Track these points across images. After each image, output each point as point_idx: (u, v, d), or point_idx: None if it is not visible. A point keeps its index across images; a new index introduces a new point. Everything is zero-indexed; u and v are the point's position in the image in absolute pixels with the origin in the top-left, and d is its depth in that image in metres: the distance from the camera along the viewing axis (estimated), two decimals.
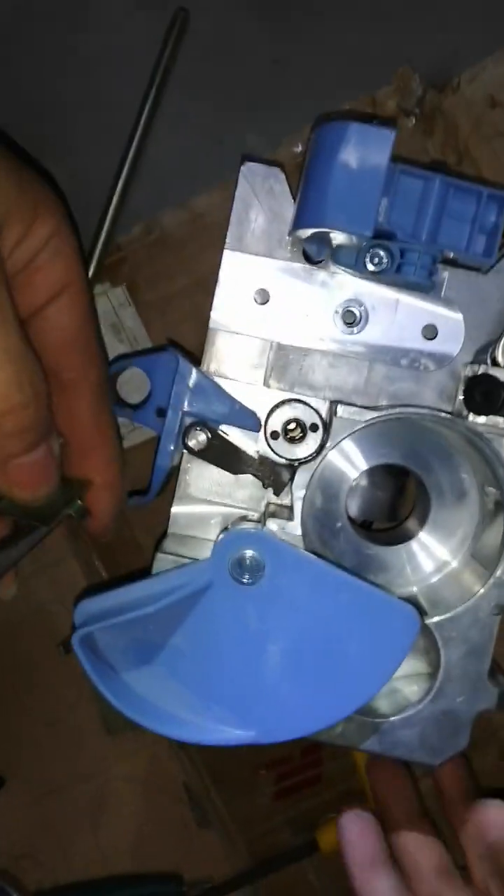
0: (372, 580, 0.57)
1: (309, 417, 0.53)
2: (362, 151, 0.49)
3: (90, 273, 0.66)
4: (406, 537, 0.58)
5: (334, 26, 0.68)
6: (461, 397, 0.53)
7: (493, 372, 0.51)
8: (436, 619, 0.55)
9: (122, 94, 0.67)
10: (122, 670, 0.50)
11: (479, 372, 0.51)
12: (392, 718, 0.55)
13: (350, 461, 0.57)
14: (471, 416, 0.52)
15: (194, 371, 0.53)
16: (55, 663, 0.72)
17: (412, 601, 0.56)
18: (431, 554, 0.58)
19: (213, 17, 0.66)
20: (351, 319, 0.56)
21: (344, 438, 0.52)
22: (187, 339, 0.66)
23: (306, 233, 0.52)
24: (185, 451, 0.53)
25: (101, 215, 0.67)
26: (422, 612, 0.55)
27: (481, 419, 0.51)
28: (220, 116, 0.71)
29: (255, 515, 0.55)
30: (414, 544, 0.58)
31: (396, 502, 0.63)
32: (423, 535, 0.58)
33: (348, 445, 0.56)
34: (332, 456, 0.56)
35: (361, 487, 0.63)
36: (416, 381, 0.56)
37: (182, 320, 0.69)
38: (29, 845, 0.75)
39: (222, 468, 0.54)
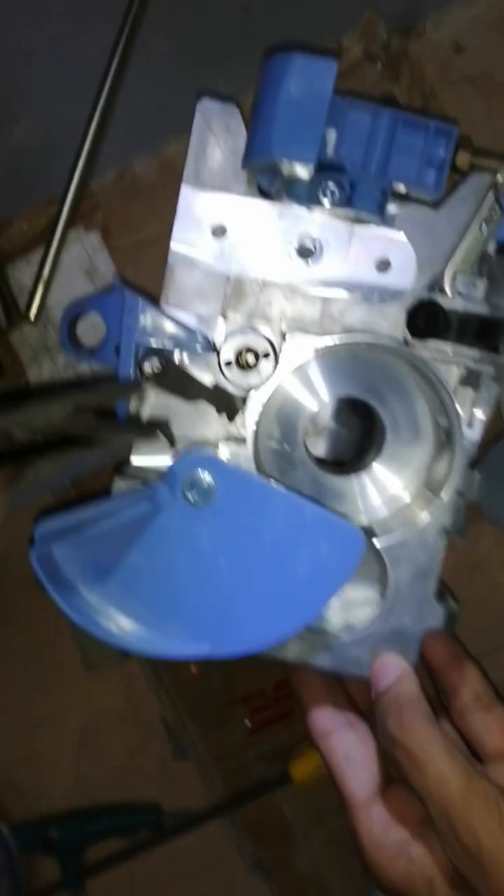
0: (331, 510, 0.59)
1: (261, 346, 0.54)
2: (306, 81, 0.50)
3: (63, 219, 0.68)
4: (362, 469, 0.59)
5: None
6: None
7: (437, 298, 0.53)
8: (385, 542, 0.56)
9: (92, 43, 0.68)
10: (80, 587, 0.52)
11: (420, 300, 0.52)
12: (344, 637, 0.56)
13: (307, 393, 0.58)
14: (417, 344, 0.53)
15: (141, 302, 0.55)
16: (35, 601, 0.74)
17: (366, 530, 0.58)
18: (386, 485, 0.60)
19: None
20: (306, 253, 0.57)
21: (296, 366, 0.54)
22: (160, 284, 0.67)
23: (256, 164, 0.53)
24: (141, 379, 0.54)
25: (73, 161, 0.68)
26: (373, 536, 0.57)
27: (428, 346, 0.52)
28: (189, 64, 0.72)
29: (210, 442, 0.56)
30: (369, 476, 0.59)
31: (364, 443, 0.65)
32: (379, 467, 0.59)
33: (305, 378, 0.57)
34: (290, 388, 0.57)
35: (329, 428, 0.65)
36: (370, 314, 0.58)
37: (155, 265, 0.69)
38: (13, 777, 0.77)
39: (177, 395, 0.55)
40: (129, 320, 0.54)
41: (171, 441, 0.55)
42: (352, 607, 0.58)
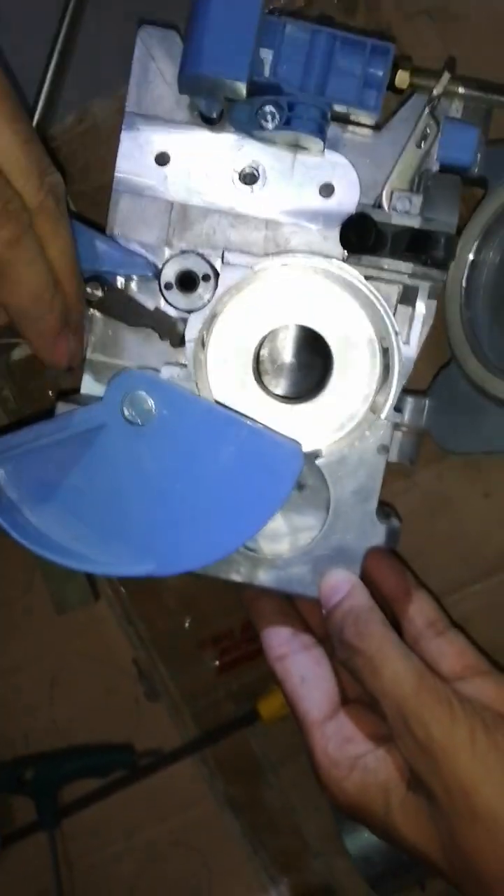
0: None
1: (201, 268, 0.55)
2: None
3: None
4: (311, 397, 0.60)
5: None
6: None
7: (367, 211, 0.53)
8: (325, 459, 0.56)
9: None
10: (24, 507, 0.52)
11: (352, 214, 0.52)
12: (286, 556, 0.57)
13: (252, 318, 0.58)
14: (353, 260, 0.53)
15: (79, 226, 0.55)
16: (4, 547, 0.75)
17: (313, 456, 0.58)
18: (334, 412, 0.60)
19: None
20: (249, 179, 0.58)
21: (236, 288, 0.54)
22: None
23: (189, 84, 0.53)
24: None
25: (32, 104, 0.68)
26: (317, 457, 0.57)
27: (363, 262, 0.52)
28: (145, 5, 0.72)
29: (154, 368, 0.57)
30: (318, 403, 0.60)
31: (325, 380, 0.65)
32: (327, 394, 0.59)
33: (248, 303, 0.57)
34: (233, 313, 0.57)
35: (288, 366, 0.65)
36: (315, 239, 0.58)
37: None
38: None
39: (120, 321, 0.56)
40: None
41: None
42: (297, 532, 0.58)
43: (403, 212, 0.53)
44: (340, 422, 0.59)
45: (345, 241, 0.52)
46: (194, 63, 0.51)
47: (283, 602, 0.60)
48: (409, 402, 0.60)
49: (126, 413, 0.52)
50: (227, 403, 0.59)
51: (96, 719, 0.78)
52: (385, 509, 0.60)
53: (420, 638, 0.58)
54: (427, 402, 0.61)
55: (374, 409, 0.58)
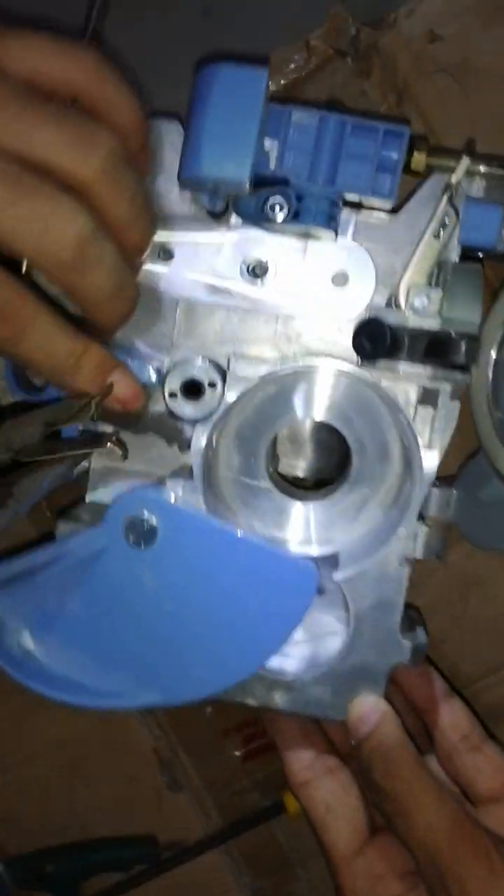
0: (297, 538, 0.56)
1: (206, 375, 0.52)
2: (235, 93, 0.47)
3: None
4: (328, 494, 0.56)
5: None
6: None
7: (380, 314, 0.49)
8: (343, 574, 0.53)
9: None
10: (24, 639, 0.50)
11: (366, 317, 0.49)
12: (304, 676, 0.54)
13: (263, 419, 0.55)
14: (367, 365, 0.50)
15: None
16: None
17: (333, 560, 0.55)
18: (353, 512, 0.56)
19: None
20: (257, 273, 0.54)
21: (245, 394, 0.51)
22: None
23: (191, 184, 0.50)
24: None
25: None
26: (336, 568, 0.54)
27: (378, 366, 0.49)
28: (152, 74, 0.69)
29: (160, 476, 0.54)
30: (336, 501, 0.56)
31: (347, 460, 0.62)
32: (346, 493, 0.56)
33: (258, 404, 0.54)
34: (242, 415, 0.54)
35: (308, 447, 0.62)
36: (329, 331, 0.55)
37: None
38: (8, 811, 0.76)
39: (124, 429, 0.53)
40: None
41: (125, 452, 0.53)
42: (320, 638, 0.55)
43: (421, 310, 0.50)
44: (359, 523, 0.56)
45: (358, 347, 0.48)
46: (193, 165, 0.48)
47: (305, 721, 0.57)
48: (436, 493, 0.57)
49: (128, 535, 0.49)
50: (239, 510, 0.56)
51: (117, 810, 0.76)
52: (410, 613, 0.57)
53: (454, 753, 0.54)
54: (454, 493, 0.57)
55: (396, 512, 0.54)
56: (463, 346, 0.47)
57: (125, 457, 0.51)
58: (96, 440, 0.51)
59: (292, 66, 0.67)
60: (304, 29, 0.66)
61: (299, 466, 0.63)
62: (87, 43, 0.55)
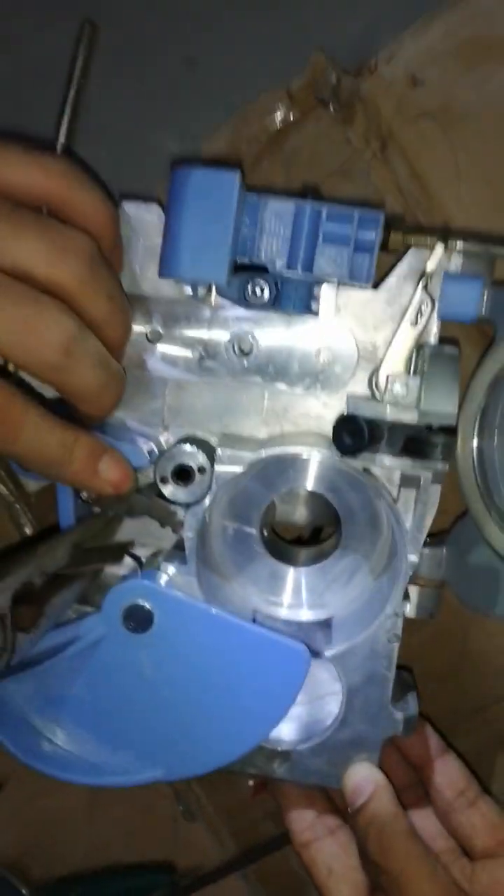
0: (290, 602, 0.58)
1: (196, 461, 0.53)
2: (208, 197, 0.48)
3: None
4: (322, 559, 0.58)
5: (242, 18, 0.66)
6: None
7: (359, 407, 0.51)
8: (334, 651, 0.55)
9: (41, 112, 0.66)
10: (30, 720, 0.52)
11: (342, 414, 0.50)
12: (300, 748, 0.56)
13: (259, 489, 0.57)
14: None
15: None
16: None
17: (327, 624, 0.57)
18: (348, 577, 0.58)
19: (121, 25, 0.65)
20: (244, 348, 0.55)
21: (233, 478, 0.52)
22: None
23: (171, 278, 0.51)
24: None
25: None
26: (330, 640, 0.55)
27: (360, 456, 0.50)
28: (137, 123, 0.70)
29: (160, 556, 0.56)
30: (330, 567, 0.58)
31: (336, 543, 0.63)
32: (339, 557, 0.58)
33: (254, 477, 0.56)
34: (239, 486, 0.56)
35: (304, 496, 0.63)
36: (316, 406, 0.56)
37: None
38: (30, 842, 0.79)
39: (116, 513, 0.54)
40: None
41: (139, 563, 0.55)
42: (316, 699, 0.57)
43: (400, 398, 0.51)
44: (351, 588, 0.58)
45: (338, 443, 0.50)
46: (173, 268, 0.49)
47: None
48: (426, 554, 0.58)
49: (125, 622, 0.51)
50: (233, 576, 0.58)
51: (135, 839, 0.79)
52: (403, 677, 0.59)
53: (450, 811, 0.56)
54: (444, 552, 0.58)
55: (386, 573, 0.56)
56: (439, 447, 0.48)
57: (140, 567, 0.53)
58: (116, 554, 0.55)
59: (275, 115, 0.67)
60: (285, 77, 0.67)
61: (296, 515, 0.64)
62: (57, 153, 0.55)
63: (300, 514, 0.64)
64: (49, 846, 0.79)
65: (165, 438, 0.56)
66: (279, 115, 0.67)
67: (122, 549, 0.55)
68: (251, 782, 0.76)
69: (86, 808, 0.79)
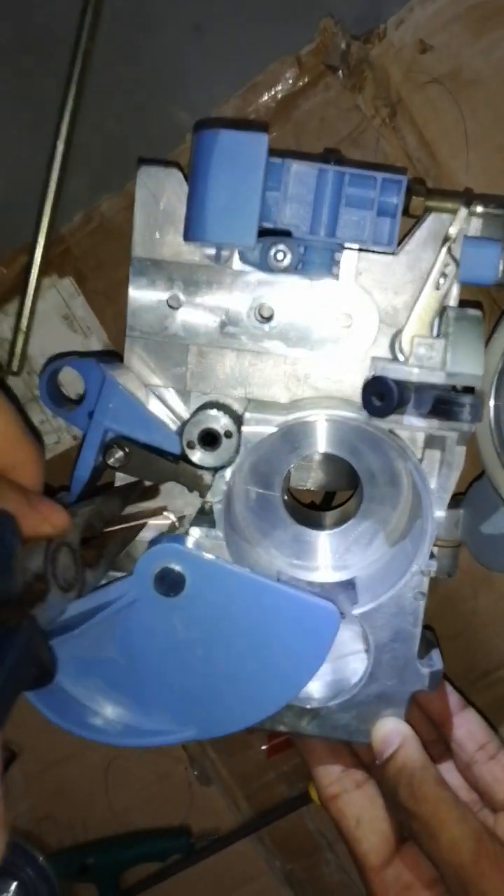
0: (314, 565, 0.58)
1: (222, 425, 0.54)
2: (236, 159, 0.48)
3: (36, 268, 0.67)
4: (343, 522, 0.59)
5: None
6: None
7: (386, 370, 0.51)
8: (362, 609, 0.56)
9: (44, 82, 0.66)
10: (66, 686, 0.53)
11: (371, 376, 0.51)
12: (329, 704, 0.57)
13: (278, 457, 0.57)
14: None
15: (119, 390, 0.54)
16: None
17: (351, 585, 0.58)
18: (369, 539, 0.59)
19: None
20: (265, 314, 0.56)
21: (259, 441, 0.53)
22: None
23: (196, 244, 0.51)
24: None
25: (39, 206, 0.67)
26: (354, 600, 0.56)
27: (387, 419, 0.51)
28: (146, 92, 0.69)
29: (185, 520, 0.56)
30: (352, 529, 0.59)
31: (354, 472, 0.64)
32: (360, 519, 0.58)
33: (273, 445, 0.56)
34: (262, 450, 0.56)
35: (317, 460, 0.64)
36: (337, 371, 0.56)
37: None
38: (47, 808, 0.80)
39: (144, 479, 0.55)
40: (103, 404, 0.54)
41: (180, 521, 0.57)
42: (342, 657, 0.58)
43: (425, 363, 0.51)
44: (373, 549, 0.58)
45: (367, 405, 0.50)
46: (199, 231, 0.49)
47: (332, 740, 0.60)
48: (445, 515, 0.59)
49: (157, 587, 0.52)
50: (258, 541, 0.59)
51: (151, 804, 0.80)
52: (426, 636, 0.60)
53: (472, 764, 0.57)
54: (461, 513, 0.59)
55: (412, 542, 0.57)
56: (468, 407, 0.48)
57: (178, 524, 0.55)
58: (156, 512, 0.57)
59: (284, 82, 0.67)
60: (294, 43, 0.66)
61: (310, 480, 0.65)
62: None
63: (314, 480, 0.65)
64: (65, 813, 0.80)
65: (191, 409, 0.56)
66: (288, 82, 0.66)
67: (162, 510, 0.56)
68: (264, 747, 0.77)
69: (101, 776, 0.79)
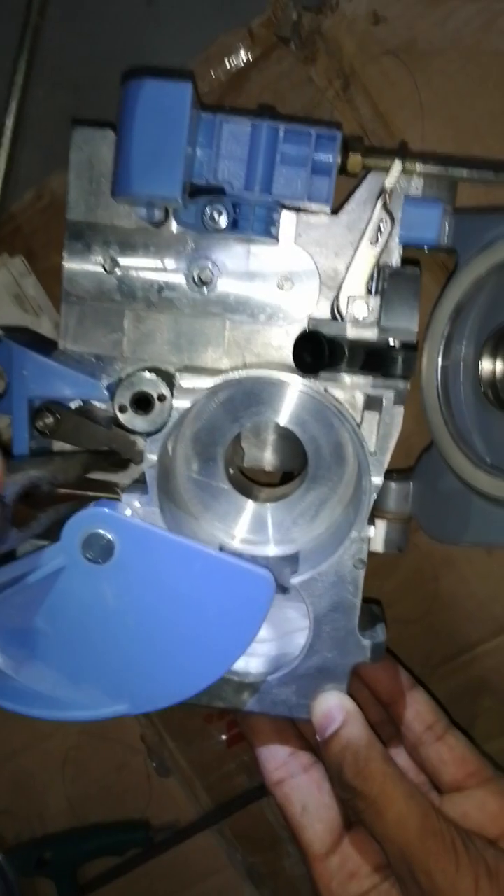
0: (257, 539, 0.57)
1: (155, 388, 0.52)
2: (160, 110, 0.47)
3: None
4: (287, 495, 0.57)
5: None
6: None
7: (320, 326, 0.50)
8: (300, 578, 0.54)
9: None
10: None
11: (302, 332, 0.49)
12: (269, 678, 0.55)
13: (224, 423, 0.56)
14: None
15: (31, 355, 0.53)
16: None
17: (294, 559, 0.56)
18: (314, 510, 0.57)
19: None
20: (204, 278, 0.54)
21: (191, 406, 0.51)
22: None
23: (124, 200, 0.50)
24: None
25: None
26: (297, 568, 0.55)
27: (321, 376, 0.49)
28: (97, 66, 0.68)
29: (119, 487, 0.55)
30: (297, 502, 0.57)
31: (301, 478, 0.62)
32: (305, 491, 0.57)
33: (217, 409, 0.55)
34: (203, 418, 0.55)
35: (273, 440, 0.62)
36: (278, 336, 0.55)
37: None
38: (3, 802, 0.78)
39: (75, 445, 0.53)
40: (17, 374, 0.52)
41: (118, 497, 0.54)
42: (285, 635, 0.56)
43: (361, 319, 0.50)
44: (318, 523, 0.57)
45: (299, 361, 0.49)
46: (124, 184, 0.48)
47: (276, 718, 0.58)
48: (393, 487, 0.57)
49: (85, 553, 0.50)
50: (200, 513, 0.57)
51: (109, 796, 0.78)
52: (371, 609, 0.58)
53: (419, 744, 0.56)
54: (411, 486, 0.58)
55: (352, 506, 0.55)
56: (400, 360, 0.47)
57: (118, 500, 0.53)
58: (108, 488, 0.55)
59: (236, 55, 0.66)
60: (246, 14, 0.66)
61: (265, 460, 0.63)
62: None
63: (269, 461, 0.63)
64: (21, 808, 0.79)
65: (125, 370, 0.54)
66: (240, 55, 0.65)
67: (113, 486, 0.54)
68: (224, 736, 0.75)
69: (58, 768, 0.78)
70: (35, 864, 0.76)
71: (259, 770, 0.57)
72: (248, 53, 0.66)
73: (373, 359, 0.48)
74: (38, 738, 0.77)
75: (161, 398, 0.52)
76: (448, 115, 0.63)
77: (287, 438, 0.61)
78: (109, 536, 0.50)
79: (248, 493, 0.58)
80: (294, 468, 0.63)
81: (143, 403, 0.52)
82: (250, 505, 0.57)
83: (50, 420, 0.52)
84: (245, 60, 0.65)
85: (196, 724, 0.74)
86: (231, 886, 0.76)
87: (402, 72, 0.64)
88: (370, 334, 0.49)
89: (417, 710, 0.56)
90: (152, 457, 0.52)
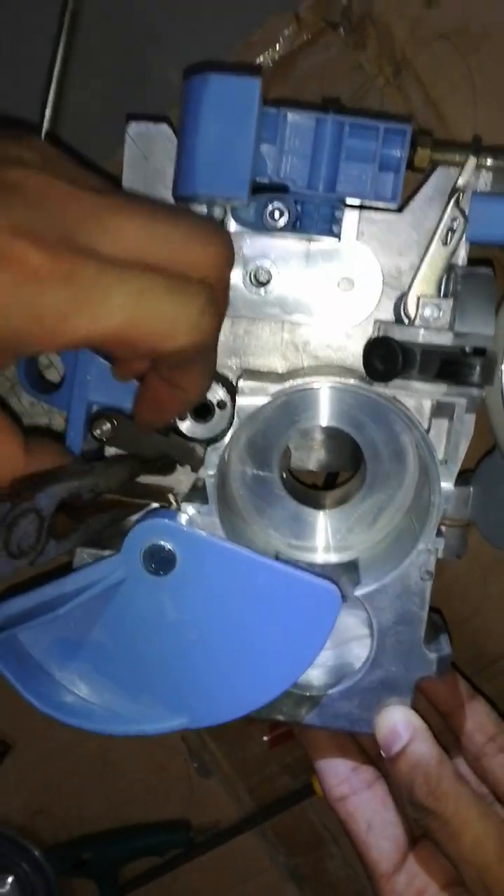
0: (313, 545, 0.55)
1: (215, 395, 0.50)
2: (227, 106, 0.45)
3: None
4: (346, 500, 0.56)
5: None
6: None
7: (390, 331, 0.48)
8: (364, 590, 0.52)
9: (33, 48, 0.63)
10: (50, 669, 0.50)
11: (374, 336, 0.47)
12: (330, 691, 0.54)
13: (280, 427, 0.54)
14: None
15: (96, 359, 0.51)
16: None
17: (353, 566, 0.55)
18: (373, 518, 0.55)
19: None
20: (262, 278, 0.53)
21: (253, 412, 0.50)
22: None
23: (186, 200, 0.48)
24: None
25: None
26: (357, 582, 0.53)
27: (391, 383, 0.48)
28: (136, 51, 0.66)
29: (176, 497, 0.53)
30: (354, 508, 0.55)
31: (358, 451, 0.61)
32: (363, 497, 0.55)
33: (269, 416, 0.53)
34: (259, 422, 0.53)
35: (319, 439, 0.61)
36: (338, 338, 0.53)
37: None
38: (42, 802, 0.78)
39: (134, 452, 0.52)
40: (81, 377, 0.51)
41: (178, 506, 0.53)
42: (344, 643, 0.55)
43: (432, 323, 0.48)
44: (377, 529, 0.55)
45: (369, 369, 0.47)
46: (189, 184, 0.46)
47: (336, 731, 0.57)
48: (453, 493, 0.56)
49: (146, 563, 0.48)
50: (255, 521, 0.55)
51: (150, 797, 0.77)
52: (434, 619, 0.56)
53: (481, 756, 0.54)
54: (471, 491, 0.56)
55: (417, 521, 0.53)
56: (477, 368, 0.45)
57: (177, 509, 0.51)
58: (159, 494, 0.52)
59: (282, 39, 0.64)
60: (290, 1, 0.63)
61: (311, 460, 0.62)
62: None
63: (315, 461, 0.62)
64: (62, 806, 0.78)
65: None
66: (287, 40, 0.63)
67: (166, 491, 0.52)
68: (266, 737, 0.74)
69: (98, 769, 0.77)
70: (73, 865, 0.76)
71: (319, 783, 0.56)
72: (295, 39, 0.63)
73: (447, 368, 0.46)
74: (76, 739, 0.76)
75: (221, 405, 0.50)
76: (502, 101, 0.61)
77: (334, 438, 0.59)
78: (170, 547, 0.48)
79: (303, 499, 0.56)
80: (341, 468, 0.62)
81: (202, 411, 0.51)
82: (306, 511, 0.56)
83: (107, 427, 0.50)
84: (292, 46, 0.63)
85: (237, 725, 0.73)
86: (273, 888, 0.76)
87: (455, 57, 0.62)
88: (443, 339, 0.48)
89: (478, 721, 0.55)
90: (213, 464, 0.51)
